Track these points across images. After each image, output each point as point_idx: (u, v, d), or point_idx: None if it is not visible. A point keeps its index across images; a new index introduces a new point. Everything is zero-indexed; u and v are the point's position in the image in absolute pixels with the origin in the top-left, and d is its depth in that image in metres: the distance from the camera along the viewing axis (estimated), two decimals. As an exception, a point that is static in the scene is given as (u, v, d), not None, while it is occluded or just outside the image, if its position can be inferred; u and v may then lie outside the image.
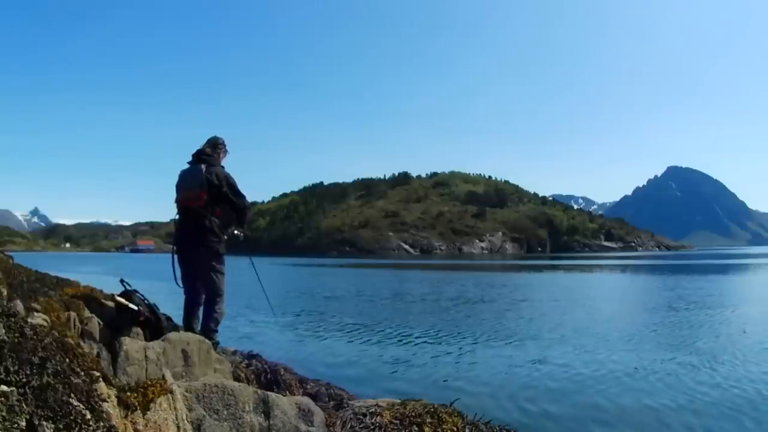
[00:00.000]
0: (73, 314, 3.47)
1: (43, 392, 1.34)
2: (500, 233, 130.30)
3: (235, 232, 4.98)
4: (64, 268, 24.89)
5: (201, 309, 4.87)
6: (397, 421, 2.85)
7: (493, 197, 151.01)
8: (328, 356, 7.77)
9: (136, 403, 1.97)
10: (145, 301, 4.30)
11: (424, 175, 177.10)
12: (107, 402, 1.61)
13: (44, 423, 1.27)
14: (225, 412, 2.61)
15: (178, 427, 2.20)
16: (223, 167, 4.96)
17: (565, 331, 9.64)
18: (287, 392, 4.62)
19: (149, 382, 2.21)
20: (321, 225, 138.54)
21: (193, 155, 4.91)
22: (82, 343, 3.06)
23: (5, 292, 3.15)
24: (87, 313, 3.83)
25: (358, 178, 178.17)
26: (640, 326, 10.47)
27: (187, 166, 4.93)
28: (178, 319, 4.92)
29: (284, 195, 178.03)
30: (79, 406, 1.41)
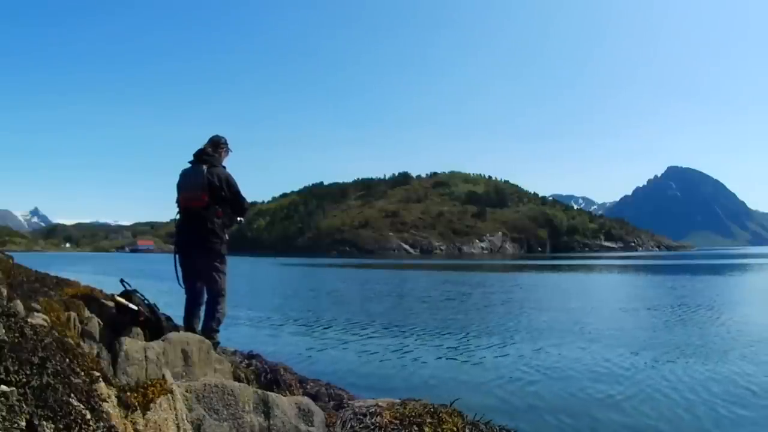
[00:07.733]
0: (73, 314, 3.47)
1: (43, 392, 1.33)
2: (500, 233, 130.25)
3: (238, 219, 5.01)
4: (64, 268, 24.89)
5: (202, 309, 4.86)
6: (397, 421, 2.84)
7: (493, 197, 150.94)
8: (328, 356, 7.77)
9: (136, 403, 1.97)
10: (145, 301, 4.29)
11: (424, 175, 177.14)
12: (107, 402, 1.61)
13: (44, 423, 1.26)
14: (225, 412, 2.61)
15: (178, 427, 2.20)
16: (224, 167, 4.96)
17: (565, 332, 9.64)
18: (287, 392, 4.62)
19: (149, 382, 2.21)
20: (321, 225, 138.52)
21: (195, 155, 4.89)
22: (82, 343, 3.06)
23: (5, 292, 3.15)
24: (87, 313, 3.82)
25: (358, 178, 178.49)
26: (640, 327, 10.47)
27: (188, 165, 4.92)
28: (179, 319, 4.92)
29: (284, 195, 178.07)
30: (79, 406, 1.41)
